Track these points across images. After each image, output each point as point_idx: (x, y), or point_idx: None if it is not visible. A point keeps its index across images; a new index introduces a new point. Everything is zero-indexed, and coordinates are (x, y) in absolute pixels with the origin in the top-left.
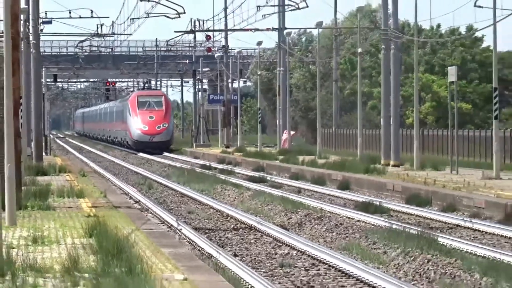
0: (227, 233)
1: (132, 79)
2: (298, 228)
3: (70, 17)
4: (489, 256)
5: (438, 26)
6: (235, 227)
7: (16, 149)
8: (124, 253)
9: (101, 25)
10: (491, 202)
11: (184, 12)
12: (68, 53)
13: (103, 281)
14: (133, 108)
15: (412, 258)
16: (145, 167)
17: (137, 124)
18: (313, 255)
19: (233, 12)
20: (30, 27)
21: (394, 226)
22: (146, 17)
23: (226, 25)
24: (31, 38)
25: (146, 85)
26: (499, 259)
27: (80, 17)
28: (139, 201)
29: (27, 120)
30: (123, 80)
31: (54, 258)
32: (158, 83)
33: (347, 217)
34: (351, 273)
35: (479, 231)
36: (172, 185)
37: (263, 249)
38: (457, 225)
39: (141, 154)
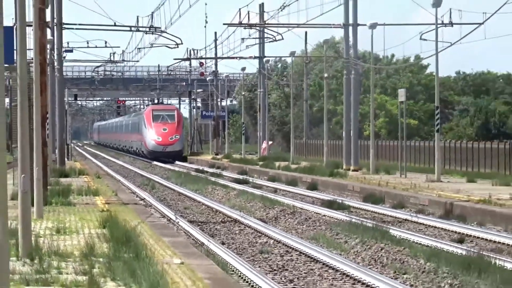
0: (216, 225)
1: (138, 98)
2: (275, 221)
3: (88, 47)
4: (432, 245)
5: (392, 56)
6: (223, 220)
7: (43, 155)
8: (131, 241)
9: (113, 53)
10: (433, 200)
11: (182, 43)
12: (86, 77)
13: (114, 264)
14: (148, 121)
15: (368, 246)
16: (149, 170)
17: (152, 136)
18: (287, 244)
19: (221, 43)
20: (55, 55)
21: (353, 220)
22: (150, 47)
23: (216, 54)
24: (56, 64)
25: (160, 100)
26: (439, 248)
27: (96, 47)
28: (144, 198)
29: (53, 131)
30: (131, 99)
31: (74, 245)
32: (160, 101)
33: (315, 212)
34: (318, 259)
35: (423, 224)
36: (171, 185)
37: (246, 238)
38: (405, 220)
39: (145, 160)
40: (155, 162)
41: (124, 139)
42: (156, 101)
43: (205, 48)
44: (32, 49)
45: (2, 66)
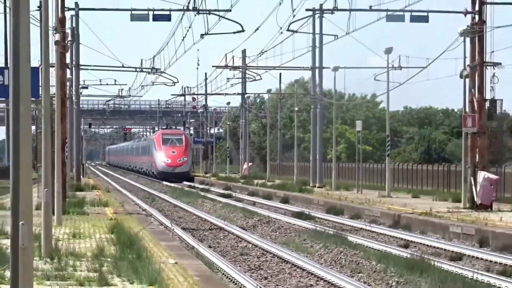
0: (204, 232)
1: (142, 127)
2: (253, 229)
3: (100, 84)
4: (382, 249)
5: (354, 94)
6: (210, 227)
7: (62, 173)
8: (135, 245)
9: (121, 89)
10: (384, 212)
11: (178, 82)
12: (99, 108)
13: (120, 263)
14: (158, 144)
15: (330, 250)
16: (150, 186)
17: (162, 157)
18: (262, 248)
19: (210, 82)
20: (73, 91)
21: (318, 228)
22: (152, 85)
23: (206, 90)
24: (74, 98)
25: (168, 125)
26: (388, 252)
27: (107, 84)
28: (146, 209)
29: (70, 153)
30: (136, 127)
31: (87, 248)
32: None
33: (286, 221)
34: (288, 260)
35: (375, 232)
36: (168, 198)
37: (229, 243)
38: (361, 228)
39: (151, 179)
40: (156, 180)
41: (134, 161)
42: (159, 127)
43: (197, 86)
44: (54, 86)
45: (29, 100)
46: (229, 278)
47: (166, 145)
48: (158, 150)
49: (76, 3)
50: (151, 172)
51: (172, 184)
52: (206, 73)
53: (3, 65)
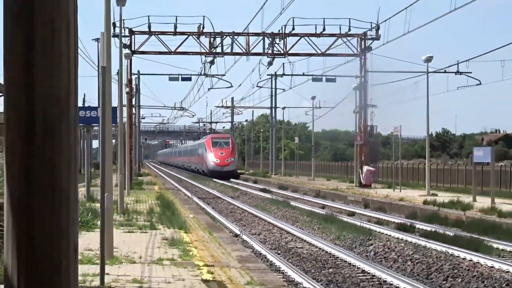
0: (210, 199)
1: (175, 140)
2: (238, 198)
3: (152, 116)
4: (310, 209)
5: (302, 123)
6: (213, 197)
7: (130, 166)
8: (170, 206)
9: (163, 119)
10: (311, 188)
11: (195, 114)
12: (151, 130)
13: (162, 217)
14: (208, 146)
15: (280, 210)
16: (180, 173)
17: (212, 158)
18: (243, 208)
19: (215, 114)
20: (137, 120)
21: (273, 197)
22: (180, 116)
23: (211, 119)
24: (137, 124)
25: (214, 131)
26: (313, 211)
27: (156, 116)
28: (177, 186)
29: (135, 155)
30: (172, 140)
31: (143, 208)
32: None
33: (256, 194)
34: (257, 215)
35: (306, 200)
36: (190, 181)
37: (223, 206)
38: (298, 197)
39: (195, 173)
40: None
41: (185, 160)
42: (185, 141)
43: (206, 117)
44: (125, 117)
45: (110, 125)
46: (224, 225)
47: (216, 147)
48: (209, 152)
49: (138, 71)
50: (202, 170)
51: (191, 173)
52: (211, 110)
53: (97, 105)
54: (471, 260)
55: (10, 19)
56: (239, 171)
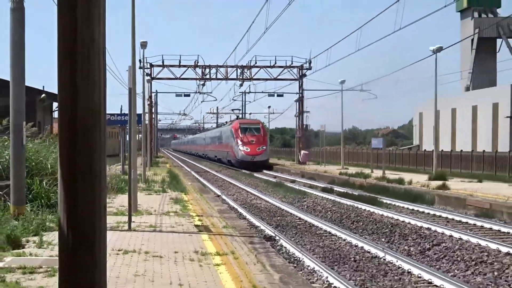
0: (202, 173)
1: (181, 135)
2: (220, 172)
3: (165, 119)
4: (266, 179)
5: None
6: (204, 171)
7: (150, 152)
8: (176, 178)
9: (173, 121)
10: (300, 172)
11: (193, 118)
12: (164, 128)
13: (170, 185)
14: (236, 133)
15: (247, 179)
16: (184, 156)
17: (241, 147)
18: (223, 178)
19: (205, 119)
20: (155, 121)
21: (242, 171)
22: (183, 119)
23: (203, 122)
24: (155, 124)
25: (240, 116)
26: (268, 179)
27: (168, 119)
28: (182, 165)
29: (154, 144)
30: (178, 135)
31: (158, 178)
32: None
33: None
34: (231, 182)
35: (263, 172)
36: (191, 161)
37: (210, 177)
38: (294, 180)
39: (191, 154)
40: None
41: (204, 149)
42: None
43: (200, 119)
44: (147, 120)
45: (135, 125)
46: (212, 190)
47: (245, 134)
48: (237, 139)
49: (156, 90)
50: (227, 160)
51: (193, 156)
52: (203, 115)
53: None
54: (369, 211)
55: (61, 57)
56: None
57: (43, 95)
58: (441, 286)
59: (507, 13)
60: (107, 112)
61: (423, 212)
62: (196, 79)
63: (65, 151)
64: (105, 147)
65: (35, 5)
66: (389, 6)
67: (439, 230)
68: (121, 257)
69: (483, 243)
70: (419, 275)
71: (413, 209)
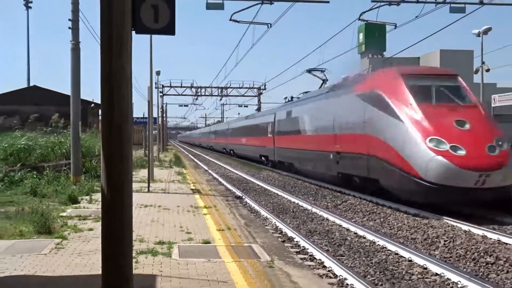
0: (199, 157)
1: (186, 132)
2: (223, 161)
3: (172, 121)
4: (239, 160)
5: None
6: (199, 154)
7: (163, 142)
8: (180, 159)
9: (177, 123)
10: None
11: (190, 120)
12: (172, 127)
13: (175, 164)
14: (404, 102)
15: (225, 159)
16: (190, 147)
17: (433, 142)
18: (209, 159)
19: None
20: (166, 122)
21: (225, 154)
22: (183, 121)
23: (205, 118)
24: (166, 125)
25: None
26: (241, 160)
27: (174, 121)
28: (184, 152)
29: (166, 138)
30: (181, 132)
31: (167, 160)
32: None
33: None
34: (215, 162)
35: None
36: (188, 148)
37: (202, 158)
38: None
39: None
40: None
41: (224, 142)
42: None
43: (195, 121)
44: (160, 121)
45: (152, 126)
46: (202, 167)
47: (430, 102)
48: (410, 122)
49: (166, 103)
50: (358, 181)
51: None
52: (197, 119)
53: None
54: (302, 180)
55: (103, 80)
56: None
57: (93, 104)
58: (347, 228)
59: (389, 55)
60: (134, 115)
61: (335, 183)
62: (192, 95)
63: (105, 141)
64: (131, 139)
65: (88, 45)
66: (312, 51)
67: (346, 192)
68: (142, 209)
69: (374, 200)
70: (333, 221)
71: (329, 180)
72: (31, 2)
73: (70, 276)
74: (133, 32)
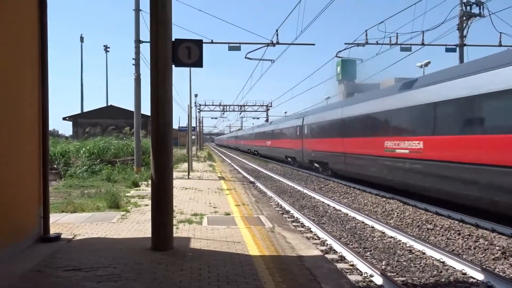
0: (227, 155)
1: (215, 137)
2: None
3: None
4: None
5: None
6: (237, 159)
7: (199, 144)
8: (211, 156)
9: (210, 129)
10: None
11: (224, 130)
12: (207, 133)
13: (208, 158)
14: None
15: (253, 160)
16: (224, 149)
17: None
18: (230, 155)
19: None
20: (202, 131)
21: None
22: (214, 129)
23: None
24: (202, 131)
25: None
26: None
27: (209, 130)
28: (217, 153)
29: (202, 140)
30: (214, 137)
31: (203, 156)
32: None
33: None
34: (235, 157)
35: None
36: (213, 146)
37: (220, 151)
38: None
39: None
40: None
41: (253, 144)
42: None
43: (234, 128)
44: (199, 130)
45: (191, 131)
46: (227, 161)
47: None
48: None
49: (202, 116)
50: (292, 158)
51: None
52: (224, 129)
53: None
54: (297, 171)
55: (152, 99)
56: None
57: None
58: (328, 204)
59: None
60: (181, 125)
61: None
62: (220, 110)
63: (153, 144)
64: (171, 141)
65: (146, 76)
66: (304, 79)
67: (328, 178)
68: (183, 191)
69: (347, 184)
70: (319, 199)
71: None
72: (109, 47)
73: (130, 238)
74: (173, 65)
